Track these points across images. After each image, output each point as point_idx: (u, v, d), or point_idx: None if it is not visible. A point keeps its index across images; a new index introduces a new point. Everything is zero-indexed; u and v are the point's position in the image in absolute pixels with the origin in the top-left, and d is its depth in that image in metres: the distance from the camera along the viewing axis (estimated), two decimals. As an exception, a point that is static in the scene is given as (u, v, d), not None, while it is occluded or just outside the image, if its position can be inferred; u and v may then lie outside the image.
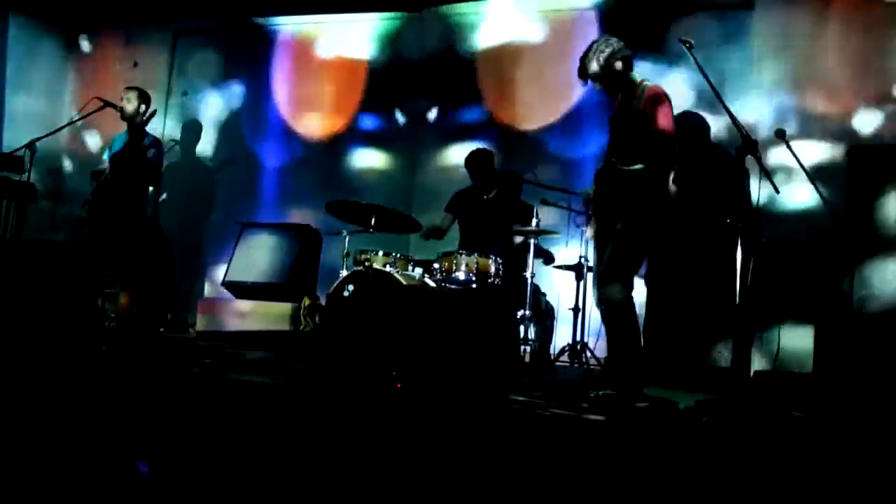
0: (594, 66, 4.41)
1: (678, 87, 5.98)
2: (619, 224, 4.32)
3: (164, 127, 7.64)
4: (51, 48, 8.55)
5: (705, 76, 4.22)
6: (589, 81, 4.49)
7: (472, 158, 6.10)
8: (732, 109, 4.16)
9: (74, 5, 8.59)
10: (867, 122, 5.61)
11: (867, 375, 3.99)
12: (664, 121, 4.29)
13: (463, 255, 5.28)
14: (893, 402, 3.91)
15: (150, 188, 6.24)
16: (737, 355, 4.34)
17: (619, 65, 4.41)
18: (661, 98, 4.33)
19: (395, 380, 4.33)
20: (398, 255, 5.42)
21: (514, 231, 5.64)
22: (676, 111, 4.58)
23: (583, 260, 5.58)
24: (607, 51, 4.41)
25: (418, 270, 5.42)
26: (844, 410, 3.91)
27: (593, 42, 4.49)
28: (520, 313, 5.33)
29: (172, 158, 7.75)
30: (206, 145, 8.03)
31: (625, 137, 4.35)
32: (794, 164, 4.62)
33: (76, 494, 2.90)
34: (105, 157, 6.12)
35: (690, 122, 6.03)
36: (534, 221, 5.39)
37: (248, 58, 8.02)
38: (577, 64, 4.48)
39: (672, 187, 4.39)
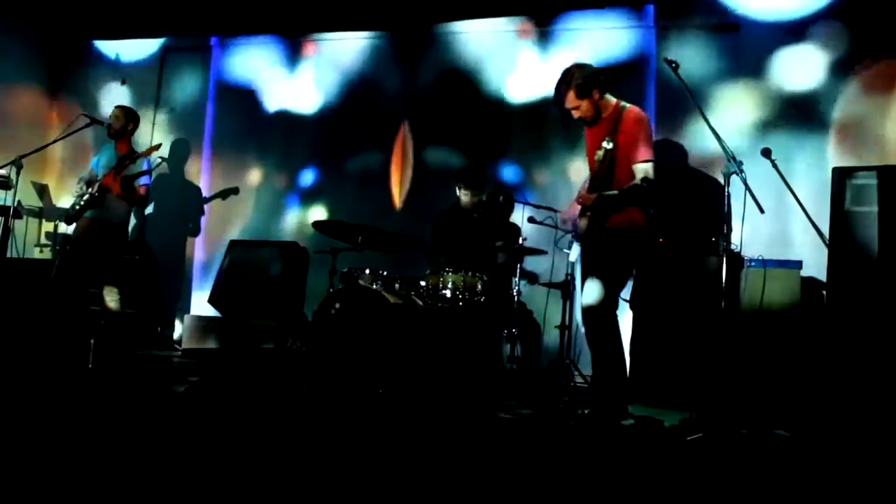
0: (571, 95, 4.42)
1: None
2: (603, 246, 4.36)
3: (150, 143, 7.61)
4: (38, 62, 8.54)
5: (692, 97, 4.26)
6: (566, 107, 4.52)
7: (464, 174, 6.06)
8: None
9: (61, 21, 8.59)
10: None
11: (853, 391, 4.00)
12: (645, 144, 4.33)
13: (449, 274, 5.29)
14: (878, 418, 3.93)
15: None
16: (721, 373, 4.35)
17: (596, 91, 4.42)
18: (641, 123, 4.36)
19: (379, 393, 4.33)
20: (385, 273, 5.42)
21: (501, 250, 5.65)
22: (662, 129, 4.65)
23: (569, 278, 5.60)
24: (584, 77, 4.42)
25: (405, 288, 5.43)
26: (829, 429, 3.93)
27: (567, 69, 4.50)
28: (505, 331, 5.34)
29: (161, 175, 7.75)
30: (194, 163, 8.01)
31: (606, 163, 4.38)
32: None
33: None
34: (92, 164, 6.12)
35: (675, 142, 6.08)
36: (520, 240, 5.42)
37: (237, 73, 8.03)
38: None
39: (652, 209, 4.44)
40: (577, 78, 4.40)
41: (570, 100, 4.42)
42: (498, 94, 7.01)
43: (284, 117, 7.77)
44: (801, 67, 5.92)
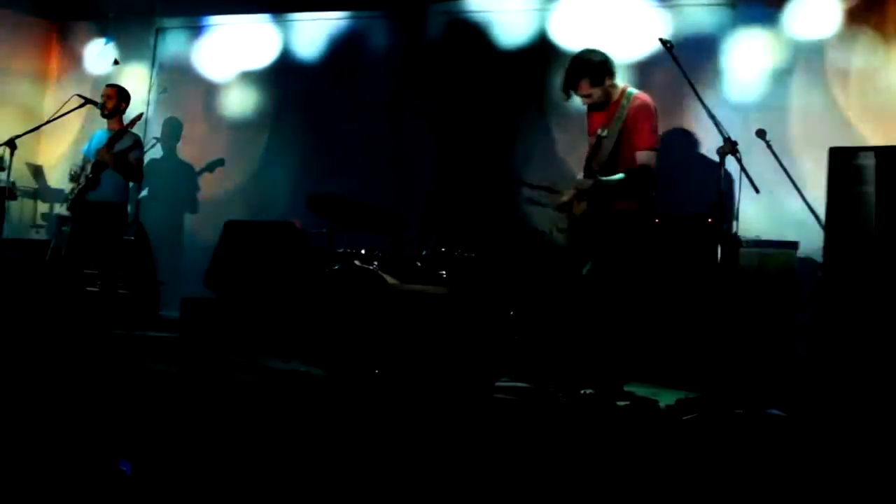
0: (585, 83, 4.42)
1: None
2: (603, 230, 4.37)
3: (145, 123, 7.56)
4: (31, 43, 8.48)
5: (686, 77, 4.25)
6: (572, 95, 4.52)
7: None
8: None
9: (55, 1, 8.54)
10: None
11: (852, 373, 3.99)
12: (649, 131, 4.35)
13: (446, 253, 5.27)
14: (880, 401, 3.94)
15: (131, 185, 6.21)
16: (716, 353, 4.36)
17: (608, 78, 4.44)
18: (647, 109, 4.38)
19: (377, 376, 4.33)
20: (381, 253, 5.41)
21: (500, 228, 5.64)
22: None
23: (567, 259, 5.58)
24: (595, 65, 4.42)
25: (402, 268, 5.41)
26: (828, 408, 3.93)
27: (575, 58, 4.50)
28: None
29: (154, 155, 7.71)
30: (188, 143, 7.96)
31: (609, 147, 4.39)
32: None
33: (61, 494, 2.88)
34: (84, 152, 6.09)
35: (672, 122, 6.06)
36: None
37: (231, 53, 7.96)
38: None
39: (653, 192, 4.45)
40: (589, 65, 4.40)
41: (584, 88, 4.44)
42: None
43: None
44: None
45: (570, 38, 6.33)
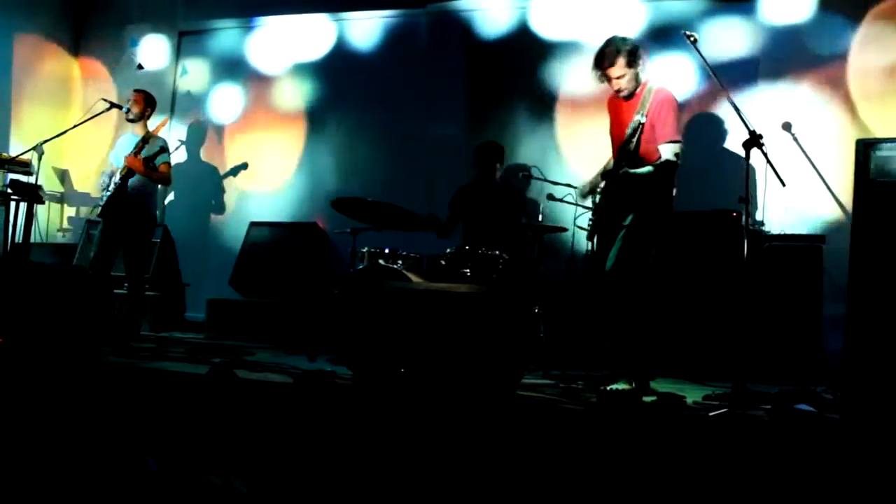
0: (621, 61, 4.39)
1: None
2: (627, 221, 4.37)
3: (169, 128, 7.62)
4: (57, 49, 8.58)
5: (712, 70, 4.22)
6: (611, 74, 4.48)
7: (480, 150, 6.06)
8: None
9: (79, 8, 8.64)
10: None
11: (886, 368, 3.94)
12: (672, 125, 4.33)
13: (470, 251, 5.27)
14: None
15: (159, 188, 6.26)
16: (744, 347, 4.33)
17: (641, 63, 4.43)
18: (670, 102, 4.37)
19: (402, 375, 4.33)
20: (406, 253, 5.42)
21: (523, 226, 5.64)
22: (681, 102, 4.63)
23: (589, 254, 5.56)
24: (632, 47, 4.41)
25: (427, 267, 5.42)
26: (862, 404, 3.89)
27: (612, 38, 4.48)
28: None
29: (179, 159, 7.77)
30: (211, 145, 8.02)
31: (632, 140, 4.38)
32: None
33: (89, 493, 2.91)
34: (111, 159, 6.14)
35: (696, 115, 6.03)
36: (539, 217, 5.41)
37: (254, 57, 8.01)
38: None
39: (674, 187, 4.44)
40: (627, 45, 4.39)
41: (619, 66, 4.41)
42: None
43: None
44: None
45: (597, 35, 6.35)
